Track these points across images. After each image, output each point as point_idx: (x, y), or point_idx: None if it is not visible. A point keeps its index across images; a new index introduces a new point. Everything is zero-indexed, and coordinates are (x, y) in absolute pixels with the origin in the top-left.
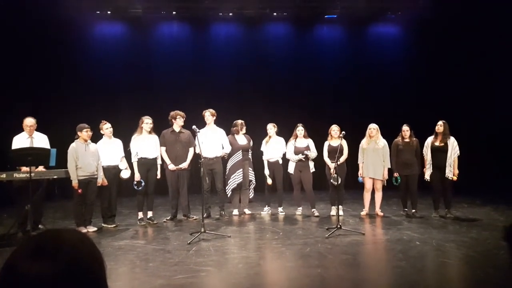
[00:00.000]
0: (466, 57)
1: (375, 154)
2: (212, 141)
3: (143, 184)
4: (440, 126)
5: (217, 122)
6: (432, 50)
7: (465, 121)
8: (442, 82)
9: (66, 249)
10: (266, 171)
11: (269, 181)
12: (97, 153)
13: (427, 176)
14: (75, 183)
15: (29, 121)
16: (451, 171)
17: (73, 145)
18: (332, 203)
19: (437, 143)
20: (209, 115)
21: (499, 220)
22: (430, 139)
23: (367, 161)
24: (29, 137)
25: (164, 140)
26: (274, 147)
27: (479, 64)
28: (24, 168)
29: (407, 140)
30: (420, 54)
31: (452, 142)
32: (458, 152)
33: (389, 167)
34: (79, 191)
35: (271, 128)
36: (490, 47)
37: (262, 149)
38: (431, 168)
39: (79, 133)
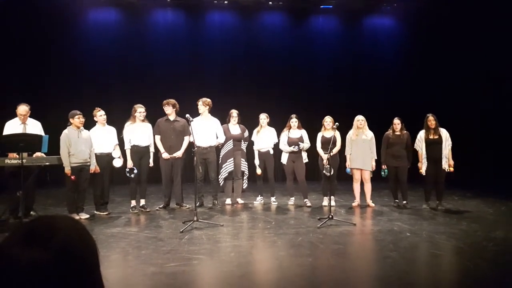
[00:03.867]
0: (461, 49)
1: (364, 146)
2: (206, 130)
3: (135, 171)
4: (433, 121)
5: (211, 111)
6: (427, 42)
7: (457, 113)
8: (436, 74)
9: (59, 236)
10: (256, 161)
11: (259, 171)
12: (90, 140)
13: (423, 170)
14: (67, 170)
15: (23, 110)
16: (447, 163)
17: (65, 131)
18: (324, 194)
19: (431, 136)
20: (201, 104)
21: (488, 213)
22: (422, 133)
23: (356, 152)
24: (22, 124)
25: (158, 129)
26: (265, 137)
27: (474, 56)
28: (11, 155)
29: (397, 133)
30: (415, 46)
31: (445, 134)
32: (451, 143)
33: (376, 158)
34: (72, 177)
35: (264, 118)
36: (486, 39)
37: (253, 139)
38: (426, 161)
39: (71, 120)
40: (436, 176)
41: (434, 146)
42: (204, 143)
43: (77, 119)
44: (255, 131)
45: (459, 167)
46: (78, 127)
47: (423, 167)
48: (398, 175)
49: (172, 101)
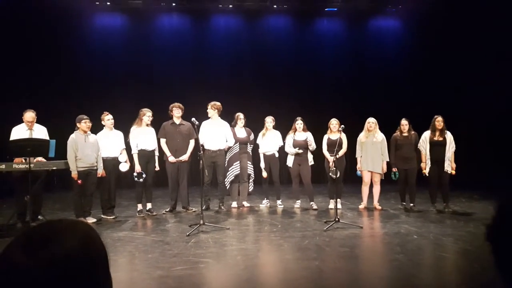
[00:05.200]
0: (466, 51)
1: (373, 148)
2: (216, 133)
3: (144, 175)
4: (441, 122)
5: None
6: (432, 44)
7: (463, 115)
8: (441, 75)
9: (66, 240)
10: (262, 164)
11: (264, 174)
12: (97, 144)
13: (426, 171)
14: (74, 174)
15: (29, 116)
16: (449, 165)
17: (72, 136)
18: (330, 197)
19: (436, 138)
20: (210, 108)
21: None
22: (427, 134)
23: (366, 154)
24: (29, 130)
25: (164, 132)
26: (270, 141)
27: (478, 58)
28: (17, 159)
29: (405, 134)
30: (420, 47)
31: (450, 137)
32: (454, 147)
33: (388, 160)
34: (79, 182)
35: (270, 121)
36: (490, 40)
37: (258, 142)
38: (429, 163)
39: (78, 125)
40: (439, 178)
41: (438, 148)
42: (213, 146)
43: (84, 124)
44: (260, 134)
45: (466, 169)
46: (85, 132)
47: (427, 168)
48: (407, 178)
49: (181, 105)
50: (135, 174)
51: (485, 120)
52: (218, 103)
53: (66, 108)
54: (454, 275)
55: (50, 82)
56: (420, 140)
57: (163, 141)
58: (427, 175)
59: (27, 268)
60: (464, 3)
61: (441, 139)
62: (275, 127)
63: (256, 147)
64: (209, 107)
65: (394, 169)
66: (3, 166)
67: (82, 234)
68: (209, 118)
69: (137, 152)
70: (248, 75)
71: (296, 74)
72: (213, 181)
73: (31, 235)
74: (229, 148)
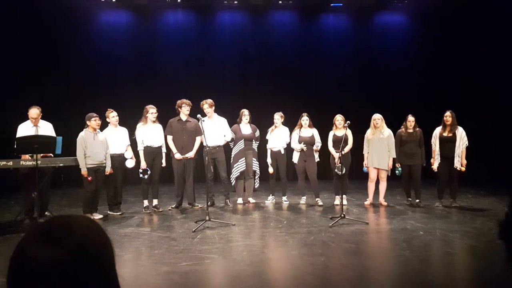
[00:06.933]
0: (473, 47)
1: (380, 144)
2: (213, 130)
3: (149, 172)
4: (448, 117)
5: (221, 112)
6: (439, 39)
7: (470, 111)
8: (448, 72)
9: (75, 235)
10: (269, 160)
11: (271, 170)
12: (106, 142)
13: (435, 166)
14: (84, 171)
15: (34, 113)
16: (459, 162)
17: (82, 134)
18: (336, 193)
19: (445, 134)
20: (207, 107)
21: (503, 211)
22: (438, 130)
23: (372, 151)
24: (34, 126)
25: (171, 129)
26: (278, 137)
27: (484, 54)
28: (24, 156)
29: (410, 130)
30: (426, 43)
31: (461, 133)
32: (467, 142)
33: (394, 156)
34: (89, 178)
35: (278, 118)
36: (497, 37)
37: (267, 137)
38: (439, 158)
39: (88, 122)
40: (449, 174)
41: (447, 144)
42: (212, 143)
43: (94, 121)
44: (269, 130)
45: (474, 165)
46: (95, 129)
47: (435, 163)
48: (411, 174)
49: (189, 102)
50: (140, 170)
51: (492, 115)
52: (210, 100)
53: (71, 105)
54: (460, 271)
55: (56, 79)
56: (432, 136)
57: (169, 138)
58: (436, 170)
59: (45, 261)
60: None
61: (450, 135)
62: (283, 123)
63: (263, 143)
64: (206, 106)
65: (397, 165)
66: (11, 163)
67: (91, 227)
68: (206, 116)
69: (142, 149)
70: (253, 71)
71: (301, 69)
72: (217, 178)
73: (46, 229)
74: (233, 144)
